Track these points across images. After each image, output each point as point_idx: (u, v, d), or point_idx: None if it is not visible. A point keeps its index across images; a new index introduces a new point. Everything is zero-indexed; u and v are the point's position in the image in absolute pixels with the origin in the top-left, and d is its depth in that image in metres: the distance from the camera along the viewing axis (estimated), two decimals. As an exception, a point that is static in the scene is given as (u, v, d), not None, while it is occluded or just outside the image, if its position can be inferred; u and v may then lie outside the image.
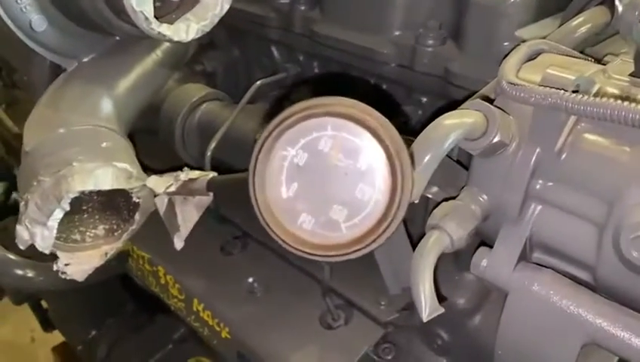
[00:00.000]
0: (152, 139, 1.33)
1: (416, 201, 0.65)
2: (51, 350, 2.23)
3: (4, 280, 1.41)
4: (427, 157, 0.63)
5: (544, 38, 0.84)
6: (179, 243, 1.04)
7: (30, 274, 1.37)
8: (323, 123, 0.50)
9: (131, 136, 1.28)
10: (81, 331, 1.86)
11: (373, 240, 0.50)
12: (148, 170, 1.27)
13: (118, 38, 1.08)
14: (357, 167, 0.50)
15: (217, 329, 1.18)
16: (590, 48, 0.92)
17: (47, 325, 2.08)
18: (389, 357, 1.10)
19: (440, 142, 0.63)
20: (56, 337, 2.09)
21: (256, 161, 0.50)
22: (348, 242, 0.50)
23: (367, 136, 0.49)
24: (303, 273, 1.18)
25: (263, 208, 0.51)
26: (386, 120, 0.50)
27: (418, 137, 0.64)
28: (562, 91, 0.62)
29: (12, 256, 1.35)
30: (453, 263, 1.03)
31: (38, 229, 0.91)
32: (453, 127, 0.64)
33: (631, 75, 0.71)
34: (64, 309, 1.88)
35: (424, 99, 1.10)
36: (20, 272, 1.38)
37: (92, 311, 1.85)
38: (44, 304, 2.03)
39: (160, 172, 1.05)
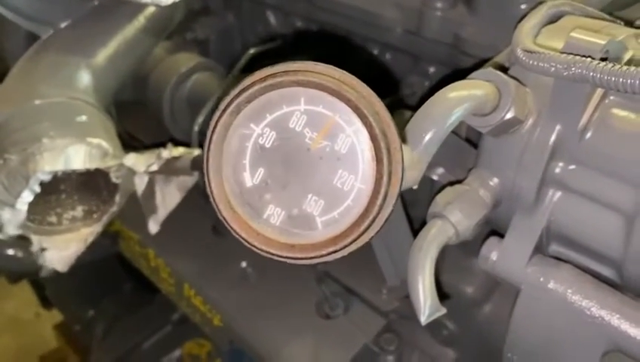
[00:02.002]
0: (143, 112, 1.26)
1: (415, 187, 0.56)
2: (53, 327, 2.20)
3: (-8, 260, 1.36)
4: (428, 136, 0.54)
5: (567, -2, 0.73)
6: (154, 227, 0.97)
7: (20, 254, 1.31)
8: (294, 95, 0.41)
9: (121, 109, 1.21)
10: (79, 310, 1.82)
11: (354, 240, 0.41)
12: (139, 144, 1.20)
13: (96, 2, 0.99)
14: (335, 149, 0.41)
15: (209, 316, 1.12)
16: (619, 12, 0.81)
17: (46, 302, 2.05)
18: (391, 348, 1.03)
19: (443, 118, 0.54)
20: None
21: (210, 141, 0.41)
22: (323, 242, 0.42)
23: (346, 110, 0.40)
24: (299, 257, 1.11)
25: (219, 200, 0.42)
26: (370, 91, 0.40)
27: (418, 112, 0.55)
28: (589, 60, 0.52)
29: (0, 236, 1.30)
30: (461, 248, 0.94)
31: (6, 211, 0.84)
32: (460, 100, 0.55)
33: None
34: (61, 288, 1.84)
35: (432, 70, 1.00)
36: (9, 253, 1.32)
37: (89, 290, 1.81)
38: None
39: (152, 147, 0.97)
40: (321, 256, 0.41)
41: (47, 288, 1.90)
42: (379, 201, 0.40)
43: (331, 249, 0.41)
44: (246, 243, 0.43)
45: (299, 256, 0.42)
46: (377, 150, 0.39)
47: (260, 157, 0.42)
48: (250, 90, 0.41)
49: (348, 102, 0.40)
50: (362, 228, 0.40)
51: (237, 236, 0.43)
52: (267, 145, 0.42)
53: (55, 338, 2.21)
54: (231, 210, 0.43)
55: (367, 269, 1.00)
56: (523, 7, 0.83)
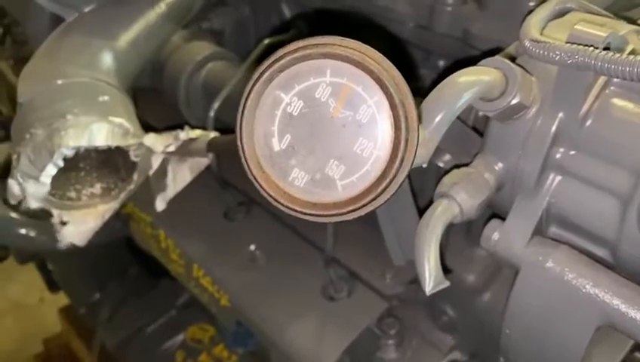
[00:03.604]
0: (157, 98, 1.29)
1: (425, 165, 0.60)
2: (58, 311, 2.23)
3: (5, 238, 1.39)
4: (438, 117, 0.57)
5: (574, -4, 0.77)
6: (160, 205, 1.00)
7: (32, 233, 1.34)
8: (321, 67, 0.45)
9: (135, 94, 1.24)
10: (85, 293, 1.85)
11: (371, 201, 0.45)
12: (151, 129, 1.24)
13: (120, -13, 1.03)
14: (357, 118, 0.45)
15: (217, 296, 1.15)
16: (625, 13, 0.85)
17: (53, 285, 2.07)
18: (392, 332, 1.06)
19: (453, 101, 0.58)
20: (66, 297, 2.08)
21: (245, 106, 0.45)
22: (343, 201, 0.45)
23: (369, 82, 0.44)
24: (306, 242, 1.14)
25: (250, 160, 0.46)
26: (392, 65, 0.44)
27: (429, 95, 0.59)
28: (591, 48, 0.56)
29: (14, 215, 1.33)
30: (463, 237, 0.98)
31: (30, 184, 0.87)
32: (469, 84, 0.59)
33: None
34: (68, 270, 1.87)
35: (442, 63, 1.04)
36: (22, 231, 1.35)
37: (96, 273, 1.84)
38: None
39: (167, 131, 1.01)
40: (341, 213, 0.45)
41: (54, 270, 1.94)
42: (396, 165, 0.43)
43: (351, 207, 0.45)
44: (273, 201, 0.47)
45: (321, 213, 0.46)
46: (396, 118, 0.43)
47: (287, 124, 0.46)
48: (283, 61, 0.45)
49: (371, 73, 0.43)
50: (380, 189, 0.44)
51: (264, 194, 0.47)
52: (295, 114, 0.46)
53: (59, 323, 2.24)
54: (260, 169, 0.47)
55: (373, 255, 1.04)
56: (531, 4, 0.87)
